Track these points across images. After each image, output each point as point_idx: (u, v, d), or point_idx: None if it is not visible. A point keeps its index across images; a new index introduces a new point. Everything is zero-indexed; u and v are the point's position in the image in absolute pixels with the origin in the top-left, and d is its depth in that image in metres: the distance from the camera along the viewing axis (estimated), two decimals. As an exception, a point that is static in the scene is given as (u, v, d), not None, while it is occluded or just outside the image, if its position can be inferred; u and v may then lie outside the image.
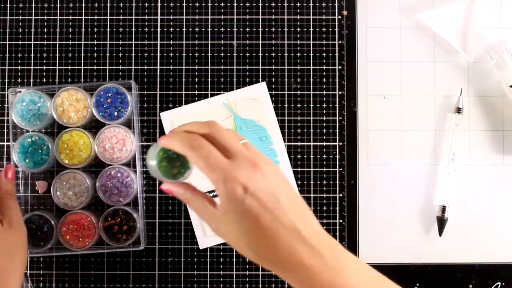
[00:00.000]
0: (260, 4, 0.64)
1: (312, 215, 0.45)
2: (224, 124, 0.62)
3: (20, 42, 0.64)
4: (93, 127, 0.63)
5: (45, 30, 0.64)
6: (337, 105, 0.64)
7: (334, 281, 0.42)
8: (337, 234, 0.62)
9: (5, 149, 0.62)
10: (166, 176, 0.47)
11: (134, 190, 0.61)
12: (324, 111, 0.63)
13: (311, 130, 0.63)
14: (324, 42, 0.64)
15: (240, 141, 0.45)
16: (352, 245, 0.62)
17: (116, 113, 0.60)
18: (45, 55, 0.63)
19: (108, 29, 0.64)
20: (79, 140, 0.60)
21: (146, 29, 0.64)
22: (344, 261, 0.44)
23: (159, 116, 0.63)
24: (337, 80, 0.64)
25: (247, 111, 0.63)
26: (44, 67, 0.63)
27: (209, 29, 0.64)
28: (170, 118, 0.63)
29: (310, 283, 0.42)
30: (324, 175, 0.63)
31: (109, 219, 0.60)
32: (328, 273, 0.42)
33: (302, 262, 0.42)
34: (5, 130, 0.63)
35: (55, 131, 0.62)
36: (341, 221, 0.63)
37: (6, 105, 0.63)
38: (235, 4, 0.64)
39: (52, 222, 0.60)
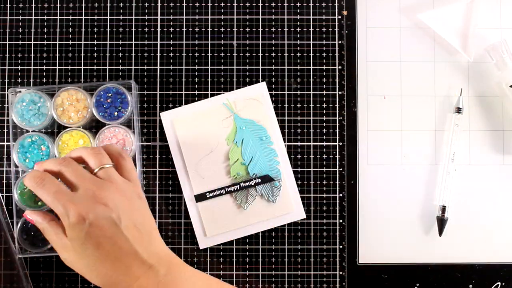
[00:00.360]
0: (260, 4, 0.64)
1: (156, 236, 0.51)
2: (224, 124, 0.62)
3: (20, 42, 0.64)
4: (93, 127, 0.63)
5: (45, 30, 0.64)
6: (337, 105, 0.64)
7: None
8: (337, 234, 0.62)
9: (5, 149, 0.62)
10: (29, 204, 0.56)
11: None
12: (324, 111, 0.63)
13: (311, 130, 0.63)
14: (324, 42, 0.64)
15: (102, 165, 0.50)
16: (352, 245, 0.62)
17: (116, 113, 0.60)
18: (45, 55, 0.63)
19: (108, 29, 0.64)
20: (79, 140, 0.60)
21: (146, 29, 0.64)
22: (180, 275, 0.49)
23: (159, 116, 0.63)
24: (337, 80, 0.64)
25: (247, 111, 0.63)
26: (44, 67, 0.63)
27: (209, 29, 0.64)
28: (170, 118, 0.63)
29: None
30: (324, 175, 0.63)
31: None
32: None
33: (138, 281, 0.47)
34: (5, 130, 0.63)
35: (55, 131, 0.62)
36: (341, 221, 0.63)
37: (6, 105, 0.63)
38: (235, 4, 0.64)
39: None
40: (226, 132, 0.62)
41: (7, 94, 0.62)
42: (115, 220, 0.48)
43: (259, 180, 0.62)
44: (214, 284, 0.52)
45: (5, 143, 0.63)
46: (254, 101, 0.63)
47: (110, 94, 0.60)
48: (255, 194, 0.62)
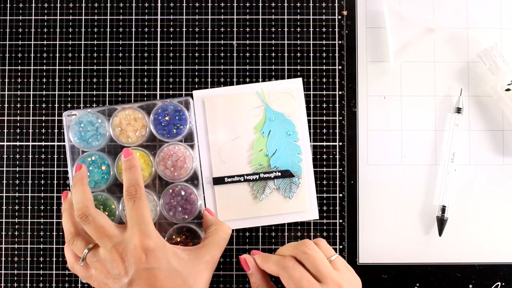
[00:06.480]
0: (260, 4, 0.64)
1: None
2: (254, 112, 0.62)
3: (20, 42, 0.64)
4: (152, 145, 0.62)
5: (45, 30, 0.64)
6: (337, 105, 0.64)
7: None
8: (337, 234, 0.62)
9: (7, 149, 0.62)
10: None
11: (198, 207, 0.60)
12: (324, 111, 0.63)
13: (311, 130, 0.63)
14: (324, 42, 0.64)
15: (330, 257, 0.50)
16: (352, 245, 0.62)
17: (175, 130, 0.60)
18: (45, 55, 0.63)
19: (108, 29, 0.64)
20: (139, 159, 0.59)
21: (146, 29, 0.64)
22: None
23: (159, 116, 0.63)
24: (337, 80, 0.64)
25: (279, 103, 0.62)
26: (44, 67, 0.63)
27: (209, 29, 0.64)
28: (202, 97, 0.62)
29: None
30: (324, 175, 0.63)
31: (174, 237, 0.60)
32: None
33: None
34: (62, 150, 0.61)
35: (114, 152, 0.61)
36: (341, 221, 0.63)
37: (5, 105, 0.63)
38: (235, 4, 0.64)
39: None
40: (255, 121, 0.62)
41: (63, 117, 0.60)
42: None
43: (279, 174, 0.61)
44: None
45: (4, 143, 0.63)
46: (288, 95, 0.63)
47: (167, 112, 0.60)
48: (272, 187, 0.62)
